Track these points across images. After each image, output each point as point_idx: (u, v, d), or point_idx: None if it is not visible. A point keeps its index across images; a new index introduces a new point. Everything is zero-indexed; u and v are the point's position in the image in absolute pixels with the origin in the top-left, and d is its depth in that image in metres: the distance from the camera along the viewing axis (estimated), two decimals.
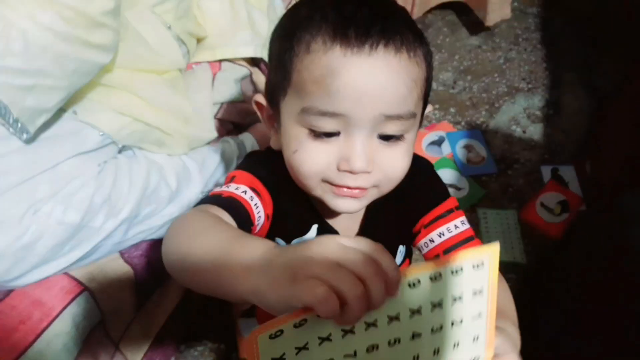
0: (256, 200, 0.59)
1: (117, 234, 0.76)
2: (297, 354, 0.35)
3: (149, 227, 0.81)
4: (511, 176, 1.46)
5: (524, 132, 1.57)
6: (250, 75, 1.02)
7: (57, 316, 0.70)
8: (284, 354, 0.34)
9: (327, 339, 0.35)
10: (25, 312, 0.69)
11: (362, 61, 0.49)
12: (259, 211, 0.59)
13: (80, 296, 0.73)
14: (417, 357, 0.40)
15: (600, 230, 1.04)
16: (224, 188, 0.59)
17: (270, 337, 0.33)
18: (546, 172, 1.46)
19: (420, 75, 0.53)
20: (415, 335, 0.39)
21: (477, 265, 0.39)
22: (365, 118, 0.50)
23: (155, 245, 0.86)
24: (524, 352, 1.06)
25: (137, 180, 0.77)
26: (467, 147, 1.51)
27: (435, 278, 0.37)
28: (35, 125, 0.65)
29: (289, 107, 0.54)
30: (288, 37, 0.53)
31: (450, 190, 1.42)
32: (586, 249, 1.06)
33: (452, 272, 0.38)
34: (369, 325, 0.36)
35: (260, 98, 0.60)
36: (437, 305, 0.38)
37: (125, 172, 0.77)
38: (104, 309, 0.77)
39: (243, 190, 0.58)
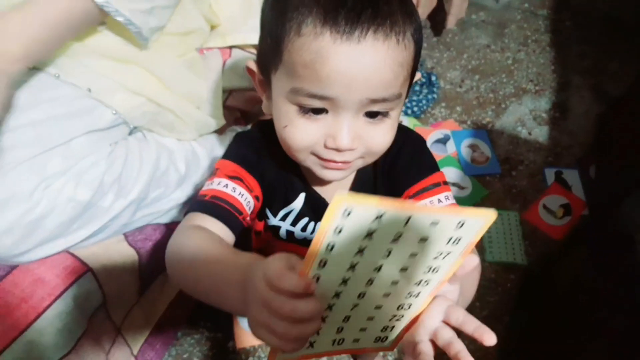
0: (239, 189, 0.61)
1: (125, 215, 0.76)
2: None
3: (156, 210, 0.80)
4: (515, 177, 1.46)
5: (529, 133, 1.57)
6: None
7: (59, 295, 0.70)
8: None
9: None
10: (28, 290, 0.69)
11: (351, 48, 0.50)
12: (245, 198, 0.61)
13: (84, 277, 0.73)
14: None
15: (603, 235, 1.04)
16: (208, 186, 0.61)
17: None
18: (550, 174, 1.46)
19: (407, 58, 0.54)
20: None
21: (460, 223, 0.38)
22: (352, 101, 0.52)
23: (160, 229, 0.85)
24: (521, 352, 1.06)
25: (147, 162, 0.77)
26: (472, 147, 1.50)
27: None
28: (152, 40, 0.77)
29: (280, 83, 0.55)
30: (280, 13, 0.53)
31: (453, 189, 1.42)
32: (588, 253, 1.06)
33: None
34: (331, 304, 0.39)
35: (253, 65, 0.62)
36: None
37: (136, 154, 0.76)
38: (107, 291, 0.76)
39: (224, 185, 0.61)
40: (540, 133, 1.58)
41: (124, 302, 0.83)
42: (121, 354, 0.87)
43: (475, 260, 0.42)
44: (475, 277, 0.58)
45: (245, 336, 0.91)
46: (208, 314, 1.15)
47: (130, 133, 0.80)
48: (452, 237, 0.38)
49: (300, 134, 0.55)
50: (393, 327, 0.46)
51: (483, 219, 0.38)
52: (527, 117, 1.62)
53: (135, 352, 0.91)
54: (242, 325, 0.90)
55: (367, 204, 0.33)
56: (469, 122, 1.59)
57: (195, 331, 1.14)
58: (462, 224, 0.37)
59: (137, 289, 0.83)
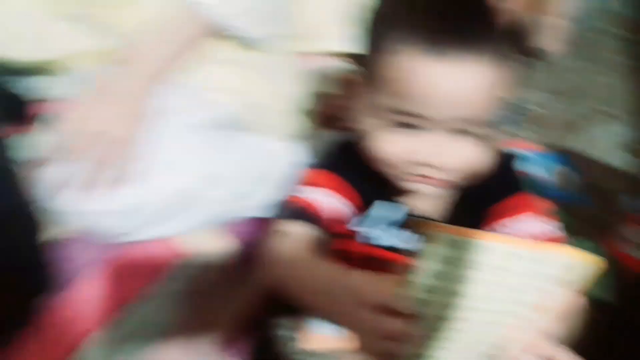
0: (329, 197, 0.64)
1: (223, 207, 0.79)
2: None
3: (251, 204, 0.83)
4: (595, 205, 1.41)
5: (613, 160, 1.51)
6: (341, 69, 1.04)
7: (156, 281, 0.74)
8: None
9: None
10: (127, 273, 0.74)
11: (445, 69, 0.50)
12: (335, 205, 0.64)
13: (179, 265, 0.76)
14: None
15: None
16: (298, 192, 0.65)
17: None
18: (632, 204, 1.40)
19: (501, 79, 0.54)
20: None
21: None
22: (444, 120, 0.53)
23: (255, 223, 0.88)
24: None
25: (243, 157, 0.81)
26: (552, 171, 1.46)
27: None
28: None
29: (371, 97, 0.56)
30: (376, 29, 0.55)
31: None
32: None
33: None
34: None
35: (345, 74, 0.63)
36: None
37: (235, 149, 0.80)
38: (201, 281, 0.80)
39: (315, 192, 0.64)
40: (624, 160, 1.51)
41: (216, 294, 0.86)
42: (209, 346, 0.89)
43: (575, 300, 0.41)
44: (575, 317, 0.56)
45: (312, 338, 0.91)
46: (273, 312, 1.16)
47: (231, 129, 0.84)
48: (540, 271, 0.37)
49: (389, 148, 0.57)
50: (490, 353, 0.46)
51: (568, 257, 0.37)
52: (611, 143, 1.56)
53: (222, 346, 0.93)
54: (312, 327, 0.91)
55: (447, 233, 0.34)
56: (550, 145, 1.55)
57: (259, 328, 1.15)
58: (552, 260, 0.36)
59: (230, 282, 0.86)
